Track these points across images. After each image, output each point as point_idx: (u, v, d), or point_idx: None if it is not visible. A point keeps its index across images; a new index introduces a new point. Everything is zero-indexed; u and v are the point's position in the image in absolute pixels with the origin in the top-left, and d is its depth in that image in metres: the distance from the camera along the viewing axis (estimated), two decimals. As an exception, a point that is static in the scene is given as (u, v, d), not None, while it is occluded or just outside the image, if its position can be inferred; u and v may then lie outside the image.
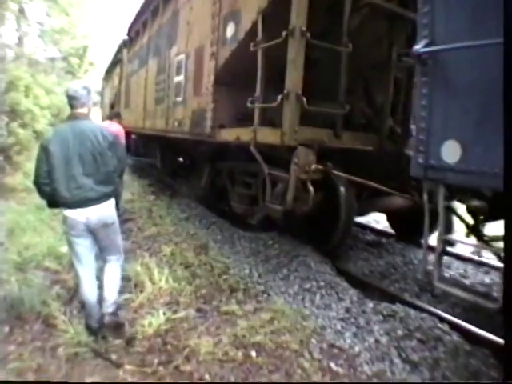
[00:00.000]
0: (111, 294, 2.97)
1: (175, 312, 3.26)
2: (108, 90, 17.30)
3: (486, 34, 2.02)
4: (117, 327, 2.92)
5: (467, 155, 2.19)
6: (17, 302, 3.23)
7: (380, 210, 4.93)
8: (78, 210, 2.73)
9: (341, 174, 3.89)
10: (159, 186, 8.97)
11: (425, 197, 2.61)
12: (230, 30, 4.47)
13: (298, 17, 3.44)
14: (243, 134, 4.21)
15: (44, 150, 2.70)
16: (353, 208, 4.33)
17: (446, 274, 4.34)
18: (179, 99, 6.07)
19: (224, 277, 4.02)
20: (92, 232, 2.83)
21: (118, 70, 13.08)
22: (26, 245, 4.55)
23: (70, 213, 2.74)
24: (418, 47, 2.39)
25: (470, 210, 2.84)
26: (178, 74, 6.18)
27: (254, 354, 2.78)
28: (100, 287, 3.01)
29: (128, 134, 7.72)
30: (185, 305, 3.41)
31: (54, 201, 2.83)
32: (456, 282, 4.15)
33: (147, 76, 8.19)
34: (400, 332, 3.03)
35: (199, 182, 6.71)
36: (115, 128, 7.21)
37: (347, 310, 3.43)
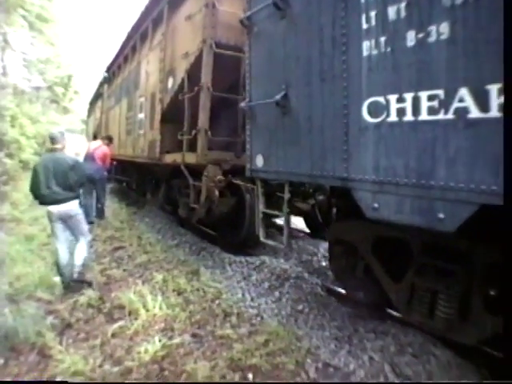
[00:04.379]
0: (79, 260, 4.37)
1: (171, 338, 3.28)
2: (91, 120, 18.63)
3: (269, 96, 3.50)
4: (81, 282, 4.36)
5: (265, 162, 3.73)
6: (11, 334, 3.21)
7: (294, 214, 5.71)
8: (53, 206, 4.18)
9: (241, 183, 5.22)
10: (148, 215, 9.00)
11: (255, 188, 4.10)
12: (170, 82, 6.23)
13: (205, 77, 5.03)
14: (177, 157, 5.88)
15: (35, 170, 4.23)
16: (254, 211, 5.31)
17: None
18: (141, 132, 7.79)
19: (217, 302, 4.07)
20: (62, 219, 4.26)
21: (99, 103, 14.59)
22: (17, 275, 4.54)
23: (49, 207, 4.20)
24: (243, 103, 4.07)
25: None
26: (140, 112, 7.98)
27: (250, 376, 2.82)
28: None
29: (112, 158, 9.08)
30: (180, 331, 3.43)
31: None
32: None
33: (121, 112, 10.14)
34: (393, 348, 3.12)
35: (159, 195, 8.26)
36: (103, 149, 7.79)
37: (340, 329, 3.51)
